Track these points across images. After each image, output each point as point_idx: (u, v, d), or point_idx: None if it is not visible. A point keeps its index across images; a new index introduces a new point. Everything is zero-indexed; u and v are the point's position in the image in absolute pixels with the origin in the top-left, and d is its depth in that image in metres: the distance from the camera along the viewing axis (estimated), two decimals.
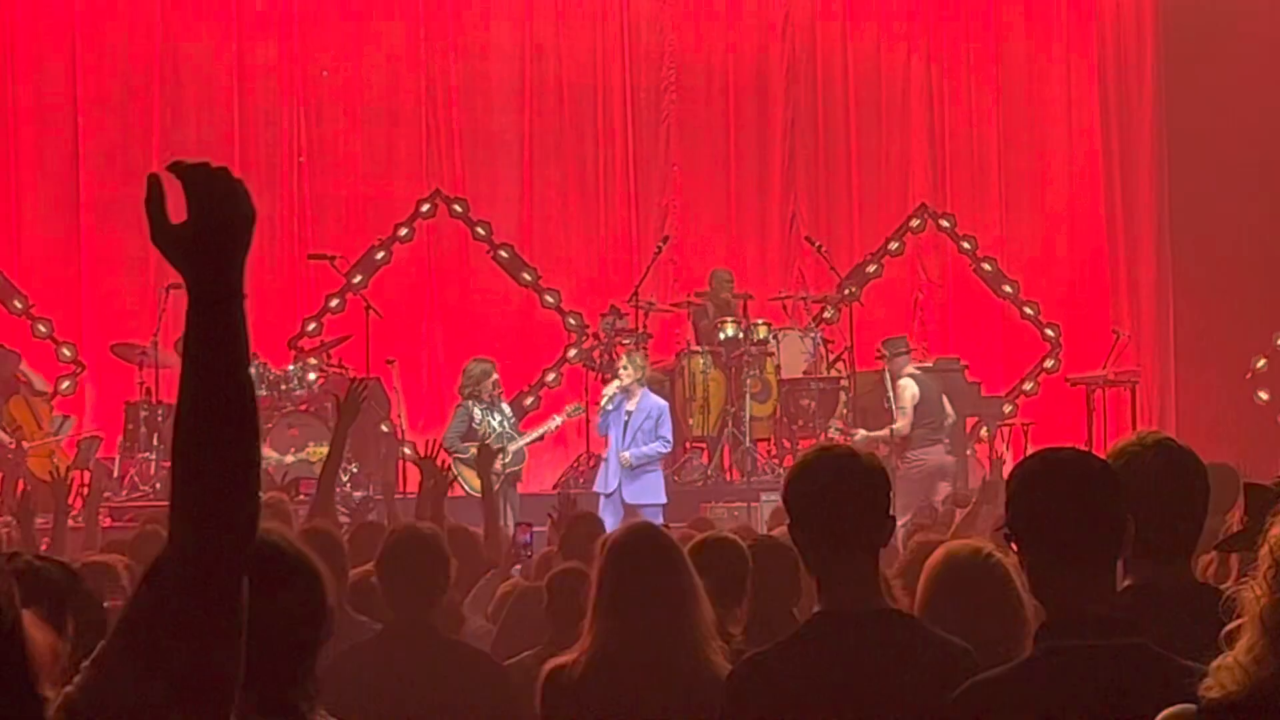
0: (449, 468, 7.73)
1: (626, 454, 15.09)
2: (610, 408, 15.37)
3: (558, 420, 16.02)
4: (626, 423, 15.21)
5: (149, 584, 2.44)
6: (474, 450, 15.31)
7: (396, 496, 14.58)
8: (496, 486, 15.23)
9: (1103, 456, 4.12)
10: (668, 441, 15.38)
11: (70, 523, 9.76)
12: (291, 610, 3.37)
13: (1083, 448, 3.97)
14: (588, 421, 16.45)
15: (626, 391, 15.33)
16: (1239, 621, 2.63)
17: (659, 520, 13.98)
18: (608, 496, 14.98)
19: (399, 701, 5.53)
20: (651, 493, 15.17)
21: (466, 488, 14.07)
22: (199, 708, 2.40)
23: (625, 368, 15.44)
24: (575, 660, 4.79)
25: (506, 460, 15.26)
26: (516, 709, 5.46)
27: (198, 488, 2.45)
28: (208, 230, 2.46)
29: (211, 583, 2.43)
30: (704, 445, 16.98)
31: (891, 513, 4.11)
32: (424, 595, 5.73)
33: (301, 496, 12.39)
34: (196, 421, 2.45)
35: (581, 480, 16.44)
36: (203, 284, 2.46)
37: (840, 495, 3.96)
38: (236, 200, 2.47)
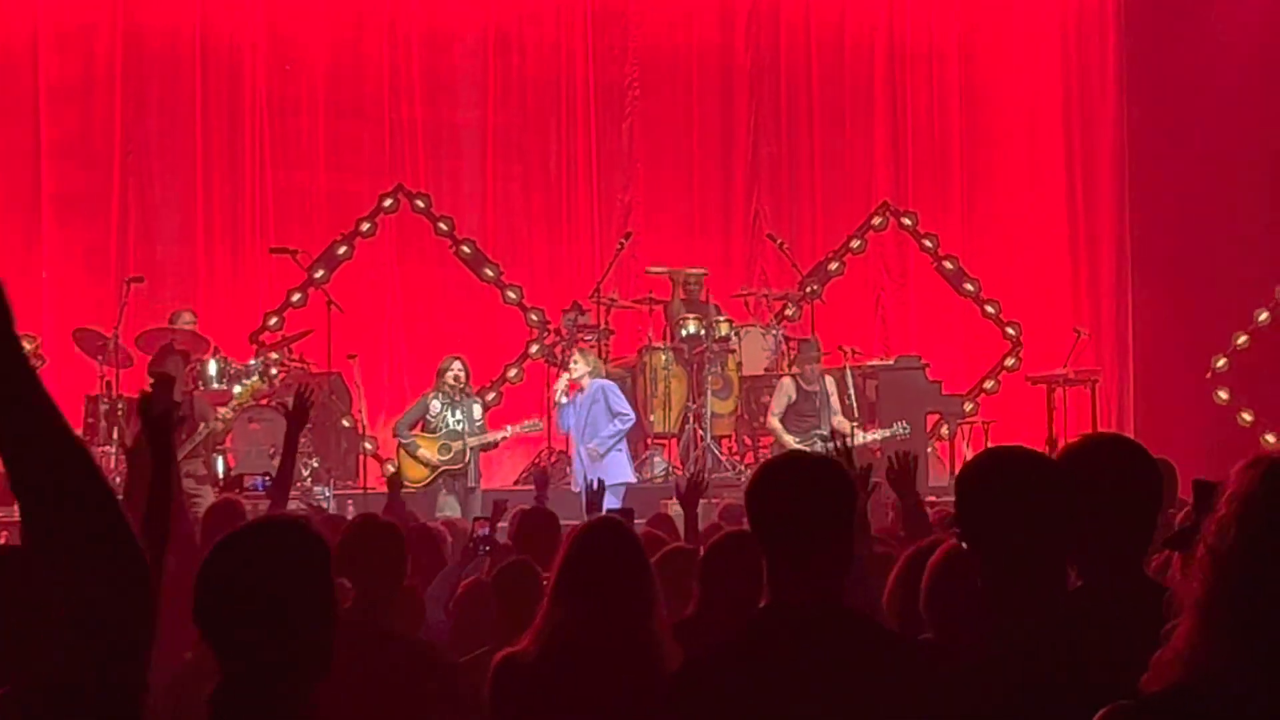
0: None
1: (593, 445, 15.11)
2: (564, 400, 15.37)
3: (510, 430, 15.94)
4: (580, 414, 15.27)
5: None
6: (416, 440, 15.39)
7: (357, 492, 14.64)
8: (434, 479, 15.29)
9: (1057, 456, 4.14)
10: (626, 416, 15.39)
11: None
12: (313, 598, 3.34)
13: (1036, 446, 3.99)
14: (549, 418, 16.48)
15: (578, 386, 15.32)
16: (1177, 619, 2.65)
17: (619, 500, 14.03)
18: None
19: (346, 693, 5.52)
20: (616, 472, 15.12)
21: (403, 477, 14.04)
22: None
23: (576, 362, 15.48)
24: (527, 647, 4.80)
25: (447, 458, 15.26)
26: (464, 704, 5.46)
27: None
28: None
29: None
30: (665, 442, 16.99)
31: (856, 521, 4.08)
32: (379, 587, 5.74)
33: (244, 491, 12.39)
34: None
35: (548, 465, 16.42)
36: None
37: (801, 505, 3.92)
38: None
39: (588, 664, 4.71)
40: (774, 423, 16.25)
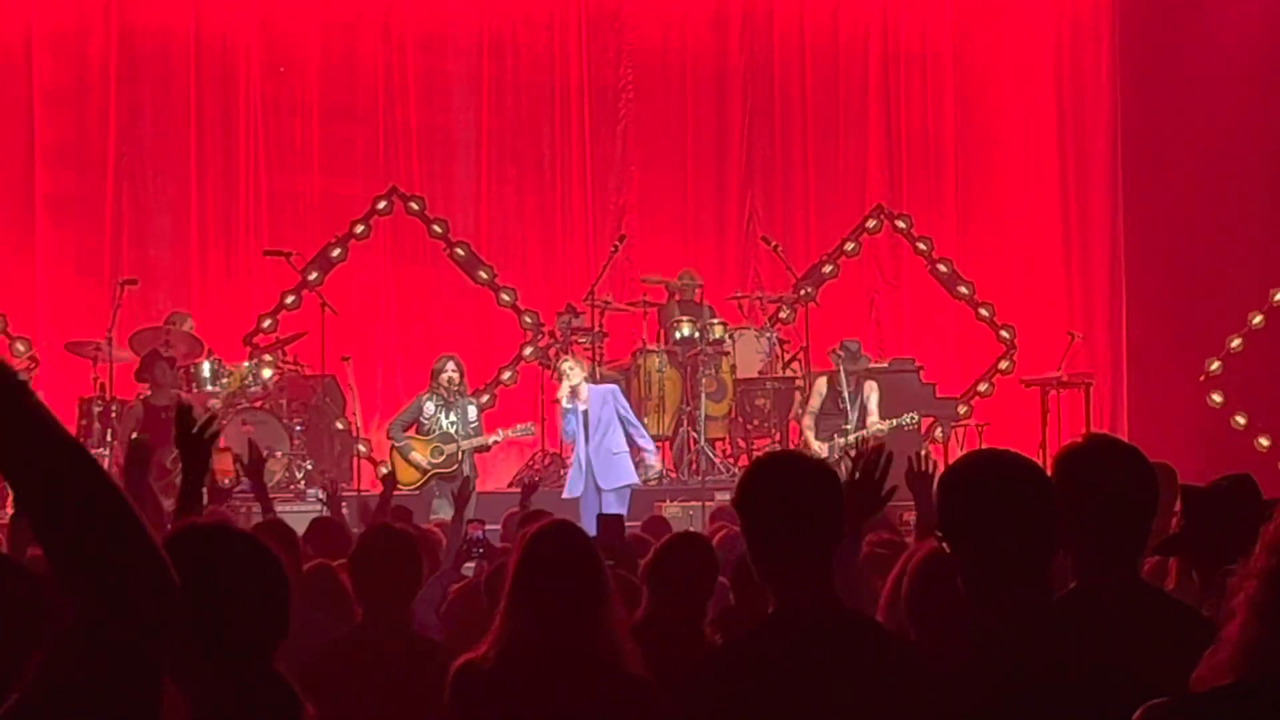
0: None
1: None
2: (569, 406, 15.30)
3: (502, 434, 15.93)
4: (586, 422, 15.18)
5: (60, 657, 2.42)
6: (409, 442, 15.41)
7: (350, 493, 14.62)
8: (427, 481, 15.30)
9: (1052, 458, 4.14)
10: (640, 433, 15.55)
11: None
12: (255, 601, 3.35)
13: (1028, 450, 3.98)
14: (543, 422, 16.45)
15: (575, 393, 15.26)
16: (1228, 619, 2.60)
17: (624, 504, 14.12)
18: (582, 496, 14.91)
19: (376, 698, 5.56)
20: (621, 475, 15.13)
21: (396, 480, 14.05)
22: None
23: (571, 370, 15.38)
24: (485, 653, 4.81)
25: (439, 460, 15.25)
26: None
27: (86, 569, 2.40)
28: None
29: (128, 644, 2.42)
30: (659, 445, 16.97)
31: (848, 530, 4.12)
32: (398, 592, 5.81)
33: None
34: (46, 521, 2.40)
35: (538, 478, 16.39)
36: None
37: (791, 501, 3.96)
38: None
39: (544, 668, 4.73)
40: (807, 422, 16.21)
